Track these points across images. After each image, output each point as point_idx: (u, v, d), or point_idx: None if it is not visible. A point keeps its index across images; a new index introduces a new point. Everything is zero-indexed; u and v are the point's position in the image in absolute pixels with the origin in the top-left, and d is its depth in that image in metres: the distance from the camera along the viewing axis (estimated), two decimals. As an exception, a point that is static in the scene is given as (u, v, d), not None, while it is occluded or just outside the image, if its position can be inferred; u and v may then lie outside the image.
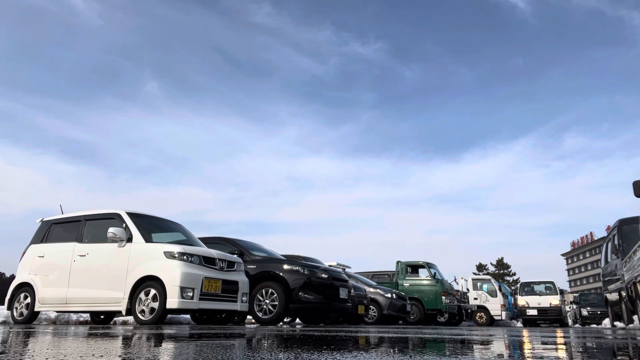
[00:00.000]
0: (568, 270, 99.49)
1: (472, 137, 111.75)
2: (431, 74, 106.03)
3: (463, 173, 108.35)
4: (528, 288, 19.78)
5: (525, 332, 6.33)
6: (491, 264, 61.46)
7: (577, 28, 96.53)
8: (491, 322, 18.09)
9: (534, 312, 18.60)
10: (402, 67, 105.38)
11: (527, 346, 3.13)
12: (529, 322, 18.99)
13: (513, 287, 57.08)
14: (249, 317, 8.13)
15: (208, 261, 6.52)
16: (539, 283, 20.01)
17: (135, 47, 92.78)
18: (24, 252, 7.67)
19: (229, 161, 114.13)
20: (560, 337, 4.72)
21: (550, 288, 19.49)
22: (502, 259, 62.23)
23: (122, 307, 6.25)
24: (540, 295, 19.14)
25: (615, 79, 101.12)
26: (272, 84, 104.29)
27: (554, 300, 18.64)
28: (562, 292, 19.34)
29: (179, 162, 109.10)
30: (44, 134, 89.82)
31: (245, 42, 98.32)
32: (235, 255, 7.50)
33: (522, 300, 19.02)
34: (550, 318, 18.55)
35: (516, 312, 20.37)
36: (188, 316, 9.08)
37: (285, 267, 7.87)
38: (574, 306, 25.10)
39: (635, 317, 8.68)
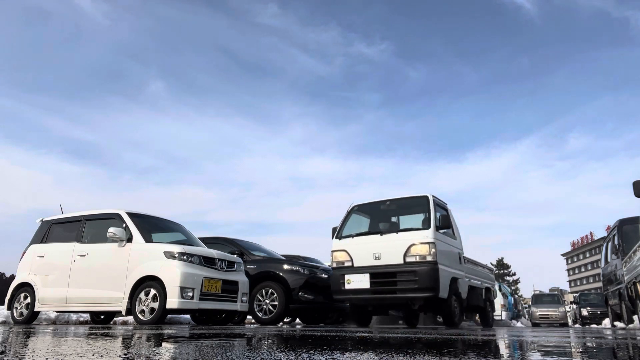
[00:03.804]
0: (568, 270, 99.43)
1: (476, 137, 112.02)
2: (436, 75, 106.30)
3: (466, 173, 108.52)
4: (540, 300, 24.73)
5: (524, 332, 6.34)
6: (491, 263, 61.49)
7: (583, 29, 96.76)
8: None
9: (544, 320, 22.70)
10: (407, 68, 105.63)
11: (526, 345, 3.13)
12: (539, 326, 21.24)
13: (513, 287, 57.15)
14: (249, 317, 8.14)
15: (208, 261, 6.52)
16: (547, 295, 25.77)
17: (141, 47, 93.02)
18: (24, 252, 7.67)
19: (232, 161, 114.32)
20: (559, 337, 4.72)
21: (557, 297, 24.99)
22: (502, 259, 62.33)
23: (122, 307, 6.25)
24: (548, 304, 23.56)
25: (620, 79, 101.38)
26: (277, 84, 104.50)
27: (560, 308, 23.13)
28: (562, 294, 23.81)
29: (181, 162, 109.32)
30: (48, 134, 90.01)
31: (250, 42, 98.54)
32: (235, 255, 7.50)
33: (535, 310, 23.40)
34: (555, 322, 22.38)
35: (516, 312, 22.68)
36: (188, 316, 9.08)
37: (285, 267, 7.87)
38: (574, 306, 25.15)
39: (635, 317, 8.68)
